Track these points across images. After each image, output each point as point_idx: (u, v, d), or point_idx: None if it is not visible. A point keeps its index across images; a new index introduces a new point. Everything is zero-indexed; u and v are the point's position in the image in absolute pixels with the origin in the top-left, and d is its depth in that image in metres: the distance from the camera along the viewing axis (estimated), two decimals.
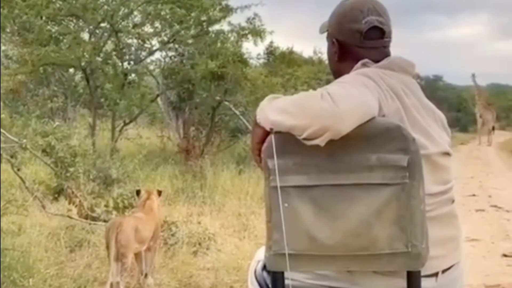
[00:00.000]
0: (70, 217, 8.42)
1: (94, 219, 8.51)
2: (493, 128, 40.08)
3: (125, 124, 13.03)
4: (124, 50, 13.02)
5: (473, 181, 17.95)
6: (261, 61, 17.94)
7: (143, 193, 7.44)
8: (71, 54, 11.91)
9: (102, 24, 12.81)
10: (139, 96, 12.49)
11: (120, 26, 12.70)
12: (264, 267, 2.80)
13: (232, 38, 14.28)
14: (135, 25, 12.84)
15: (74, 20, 13.06)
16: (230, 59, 13.41)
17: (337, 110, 2.25)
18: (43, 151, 8.36)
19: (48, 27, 12.86)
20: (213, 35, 13.75)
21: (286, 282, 2.50)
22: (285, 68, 17.25)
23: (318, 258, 2.46)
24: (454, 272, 2.73)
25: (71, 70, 14.56)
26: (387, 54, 2.79)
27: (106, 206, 8.73)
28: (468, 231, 10.50)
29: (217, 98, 14.14)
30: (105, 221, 8.42)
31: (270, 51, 15.86)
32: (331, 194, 2.41)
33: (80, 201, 8.63)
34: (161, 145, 15.40)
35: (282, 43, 32.43)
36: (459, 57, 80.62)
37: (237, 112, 14.45)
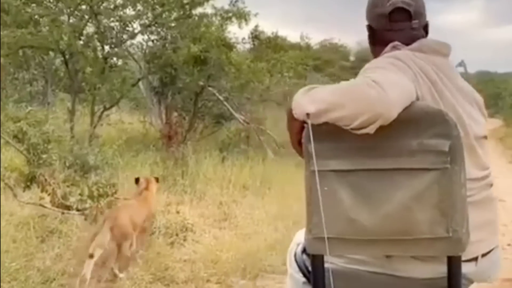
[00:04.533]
0: (43, 206, 8.07)
1: (67, 208, 8.17)
2: None
3: (105, 109, 12.65)
4: (105, 34, 12.60)
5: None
6: (247, 46, 17.62)
7: (142, 181, 7.83)
8: (49, 36, 11.52)
9: (82, 7, 12.39)
10: (120, 81, 12.12)
11: (100, 8, 12.28)
12: (304, 250, 2.87)
13: (216, 22, 13.94)
14: (115, 7, 12.42)
15: (54, 2, 12.62)
16: (213, 43, 13.07)
17: (387, 97, 2.23)
18: (15, 136, 8.02)
19: (29, 9, 12.42)
20: (196, 19, 13.40)
21: (326, 265, 2.52)
22: (271, 53, 16.92)
23: (357, 242, 2.45)
24: (493, 256, 2.75)
25: (52, 53, 14.12)
26: (418, 37, 2.77)
27: (80, 194, 8.38)
28: None
29: (200, 83, 13.78)
30: (78, 210, 8.12)
31: (255, 36, 15.52)
32: (371, 179, 2.40)
33: (53, 189, 8.30)
34: (143, 131, 15.01)
35: (268, 28, 32.24)
36: (450, 43, 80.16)
37: (221, 98, 14.11)
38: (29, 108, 9.33)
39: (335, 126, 2.33)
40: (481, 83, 50.12)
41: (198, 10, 13.57)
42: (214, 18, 14.10)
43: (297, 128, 2.52)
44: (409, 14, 2.76)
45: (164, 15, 12.54)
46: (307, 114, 2.35)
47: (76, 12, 12.42)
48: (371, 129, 2.27)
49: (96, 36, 12.48)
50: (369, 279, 2.68)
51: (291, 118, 2.50)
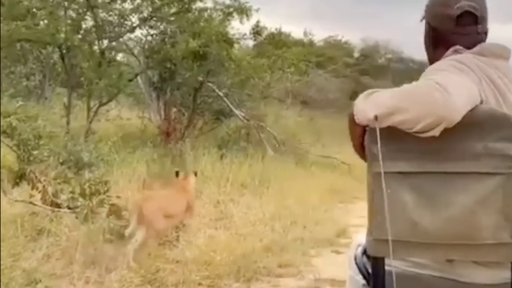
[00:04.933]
0: (33, 204, 7.84)
1: (58, 206, 7.94)
2: None
3: (101, 104, 12.40)
4: (103, 27, 12.37)
5: None
6: (251, 42, 17.39)
7: (181, 175, 8.51)
8: (45, 30, 11.30)
9: (79, 0, 12.16)
10: (116, 76, 11.87)
11: (97, 1, 12.04)
12: (364, 252, 2.86)
13: (216, 16, 13.71)
14: (112, 0, 12.17)
15: None
16: (213, 38, 12.82)
17: (451, 100, 2.22)
18: (4, 132, 7.77)
19: (26, 2, 12.18)
20: (196, 13, 13.16)
21: (387, 268, 2.53)
22: (272, 50, 16.70)
23: (419, 245, 2.43)
24: None
25: (49, 47, 13.90)
26: (480, 41, 2.72)
27: (72, 192, 8.14)
28: None
29: (200, 79, 13.53)
30: (69, 208, 7.89)
31: (257, 31, 15.25)
32: (434, 181, 2.38)
33: (44, 186, 8.06)
34: (141, 127, 14.77)
35: (271, 24, 32.05)
36: None
37: (221, 94, 13.86)
38: (20, 102, 9.02)
39: (398, 129, 2.34)
40: None
41: (198, 5, 13.33)
42: (215, 13, 13.87)
43: (359, 132, 2.54)
44: (476, 18, 2.72)
45: (162, 9, 12.28)
46: (375, 116, 2.34)
47: (73, 5, 12.17)
48: (435, 132, 2.26)
49: (93, 30, 12.23)
50: (430, 283, 2.64)
51: (352, 123, 2.54)
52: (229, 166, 12.25)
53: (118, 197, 8.30)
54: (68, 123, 12.00)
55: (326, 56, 26.62)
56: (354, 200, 12.21)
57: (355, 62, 31.39)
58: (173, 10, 12.62)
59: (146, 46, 13.38)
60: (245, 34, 14.81)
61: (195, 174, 8.72)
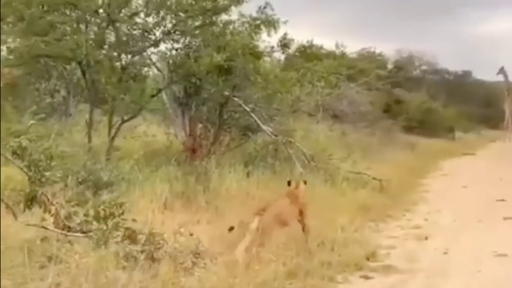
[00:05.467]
0: (45, 228, 7.45)
1: (71, 230, 7.55)
2: None
3: (123, 121, 12.03)
4: (125, 41, 12.01)
5: (502, 183, 16.84)
6: (279, 55, 16.93)
7: (293, 184, 9.34)
8: (65, 45, 10.98)
9: (101, 14, 11.81)
10: (139, 92, 11.52)
11: (119, 15, 11.68)
12: None
13: (242, 29, 13.28)
14: (133, 14, 11.80)
15: (71, 9, 12.02)
16: (239, 51, 12.41)
17: None
18: (14, 153, 7.41)
19: (48, 16, 11.85)
20: (221, 26, 12.75)
21: None
22: (302, 62, 16.23)
23: None
24: None
25: (74, 63, 13.57)
26: None
27: (85, 215, 7.75)
28: (495, 244, 9.49)
29: (226, 93, 13.12)
30: (83, 232, 7.49)
31: (284, 44, 14.77)
32: None
33: (56, 209, 7.67)
34: (167, 143, 14.36)
35: (302, 37, 31.64)
36: (494, 52, 79.39)
37: (248, 109, 13.42)
38: (32, 121, 8.67)
39: None
40: None
41: (223, 17, 12.90)
42: (241, 26, 13.46)
43: None
44: None
45: (186, 22, 11.89)
46: None
47: (94, 19, 11.84)
48: None
49: (115, 44, 11.87)
50: None
51: None
52: (256, 184, 11.83)
53: (134, 220, 7.89)
54: (89, 140, 11.64)
55: (358, 69, 26.08)
56: (387, 219, 11.71)
57: (388, 75, 30.76)
58: (197, 23, 12.20)
59: (171, 61, 12.96)
60: (273, 47, 14.33)
61: (305, 183, 9.60)
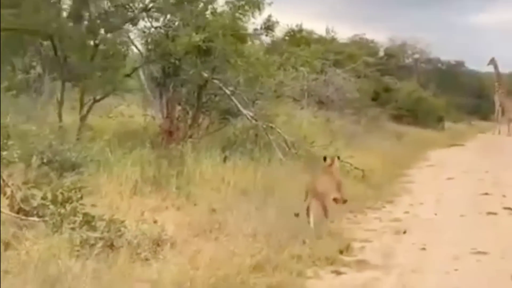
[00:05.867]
0: None
1: (27, 213, 7.13)
2: None
3: (95, 100, 11.55)
4: (101, 16, 11.52)
5: (488, 176, 16.47)
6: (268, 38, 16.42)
7: (328, 160, 10.12)
8: (35, 19, 10.49)
9: None
10: (111, 71, 11.05)
11: None
12: None
13: (226, 9, 12.81)
14: None
15: None
16: (219, 32, 11.94)
17: None
18: None
19: None
20: (201, 4, 12.26)
21: None
22: (287, 46, 15.75)
23: None
24: None
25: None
26: None
27: (43, 198, 7.32)
28: (475, 240, 9.12)
29: (205, 75, 12.65)
30: (39, 216, 7.07)
31: (268, 26, 14.25)
32: None
33: (12, 191, 7.25)
34: (144, 125, 13.88)
35: (291, 20, 31.04)
36: (488, 43, 79.22)
37: (228, 92, 12.96)
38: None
39: None
40: None
41: None
42: (225, 6, 12.98)
43: None
44: None
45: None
46: None
47: None
48: None
49: (90, 19, 11.38)
50: None
51: None
52: (232, 170, 11.40)
53: (93, 205, 7.48)
54: (60, 119, 11.18)
55: (346, 55, 25.58)
56: (366, 211, 11.32)
57: (377, 62, 30.23)
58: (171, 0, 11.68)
59: (150, 39, 12.44)
60: (256, 29, 13.85)
61: (338, 158, 10.65)
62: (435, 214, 11.29)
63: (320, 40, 28.40)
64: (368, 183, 13.38)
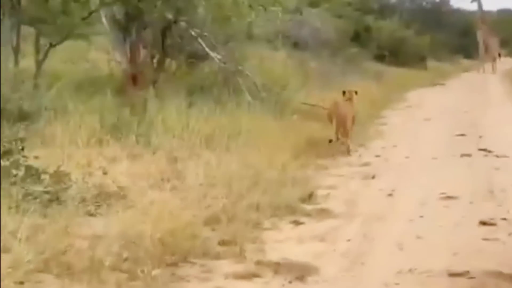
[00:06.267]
0: None
1: None
2: (499, 55, 38.17)
3: (51, 46, 10.99)
4: None
5: (466, 116, 16.12)
6: None
7: (347, 94, 11.62)
8: None
9: None
10: (66, 13, 10.48)
11: None
12: None
13: None
14: None
15: None
16: None
17: None
18: None
19: None
20: None
21: None
22: None
23: None
24: None
25: None
26: None
27: None
28: (445, 184, 8.79)
29: (169, 17, 12.13)
30: None
31: None
32: None
33: None
34: (108, 70, 13.39)
35: None
36: None
37: (194, 34, 12.47)
38: None
39: None
40: (503, 22, 48.68)
41: None
42: None
43: None
44: None
45: None
46: None
47: None
48: None
49: None
50: None
51: None
52: (196, 116, 10.93)
53: (36, 157, 7.07)
54: (16, 65, 10.69)
55: None
56: (334, 155, 10.88)
57: (352, 1, 29.42)
58: None
59: None
60: None
61: (356, 93, 11.82)
62: (407, 157, 10.90)
63: None
64: None
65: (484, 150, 11.34)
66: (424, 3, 57.78)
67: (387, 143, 12.26)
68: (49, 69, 11.61)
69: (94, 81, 12.30)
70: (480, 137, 12.76)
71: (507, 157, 10.77)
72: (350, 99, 11.53)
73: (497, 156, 10.86)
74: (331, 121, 11.31)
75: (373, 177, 9.36)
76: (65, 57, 14.47)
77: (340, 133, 11.09)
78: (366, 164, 10.28)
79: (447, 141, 12.47)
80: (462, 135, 13.06)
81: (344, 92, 11.60)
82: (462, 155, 10.92)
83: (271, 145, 10.04)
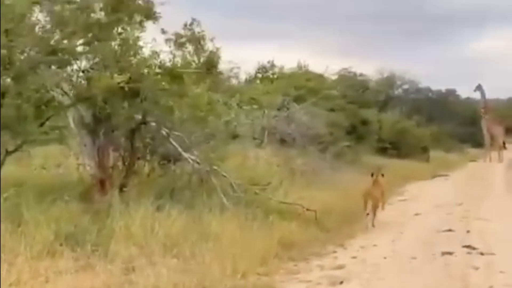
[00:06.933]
0: None
1: None
2: (504, 144, 37.77)
3: (7, 153, 10.47)
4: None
5: (459, 209, 15.51)
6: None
7: (374, 176, 13.76)
8: None
9: None
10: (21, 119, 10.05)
11: None
12: None
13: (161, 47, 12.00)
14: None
15: None
16: (146, 71, 11.06)
17: None
18: None
19: None
20: (130, 42, 11.30)
21: None
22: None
23: None
24: None
25: None
26: None
27: None
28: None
29: (138, 118, 11.75)
30: None
31: (208, 61, 13.32)
32: None
33: None
34: (77, 175, 12.95)
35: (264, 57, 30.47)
36: (482, 71, 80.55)
37: (164, 133, 12.07)
38: None
39: None
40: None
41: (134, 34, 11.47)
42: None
43: None
44: None
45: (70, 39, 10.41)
46: None
47: None
48: None
49: None
50: None
51: None
52: (164, 221, 10.36)
53: None
54: None
55: (306, 89, 24.51)
56: (310, 258, 10.22)
57: (353, 94, 29.31)
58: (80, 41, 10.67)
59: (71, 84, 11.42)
60: (196, 62, 13.03)
61: (382, 175, 14.09)
62: (385, 258, 10.23)
63: (294, 75, 27.63)
64: (321, 225, 12.35)
65: (468, 247, 10.71)
66: (429, 94, 58.18)
67: (368, 241, 11.63)
68: (10, 176, 11.15)
69: (62, 186, 11.79)
70: (468, 232, 12.17)
71: (493, 255, 10.17)
72: (377, 180, 13.67)
73: (482, 254, 10.24)
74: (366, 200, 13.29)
75: (341, 283, 8.66)
76: (39, 163, 14.12)
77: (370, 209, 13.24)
78: (339, 267, 9.58)
79: (431, 238, 11.83)
80: (449, 230, 12.46)
81: (372, 174, 13.85)
82: (443, 253, 10.27)
83: (239, 250, 9.45)
